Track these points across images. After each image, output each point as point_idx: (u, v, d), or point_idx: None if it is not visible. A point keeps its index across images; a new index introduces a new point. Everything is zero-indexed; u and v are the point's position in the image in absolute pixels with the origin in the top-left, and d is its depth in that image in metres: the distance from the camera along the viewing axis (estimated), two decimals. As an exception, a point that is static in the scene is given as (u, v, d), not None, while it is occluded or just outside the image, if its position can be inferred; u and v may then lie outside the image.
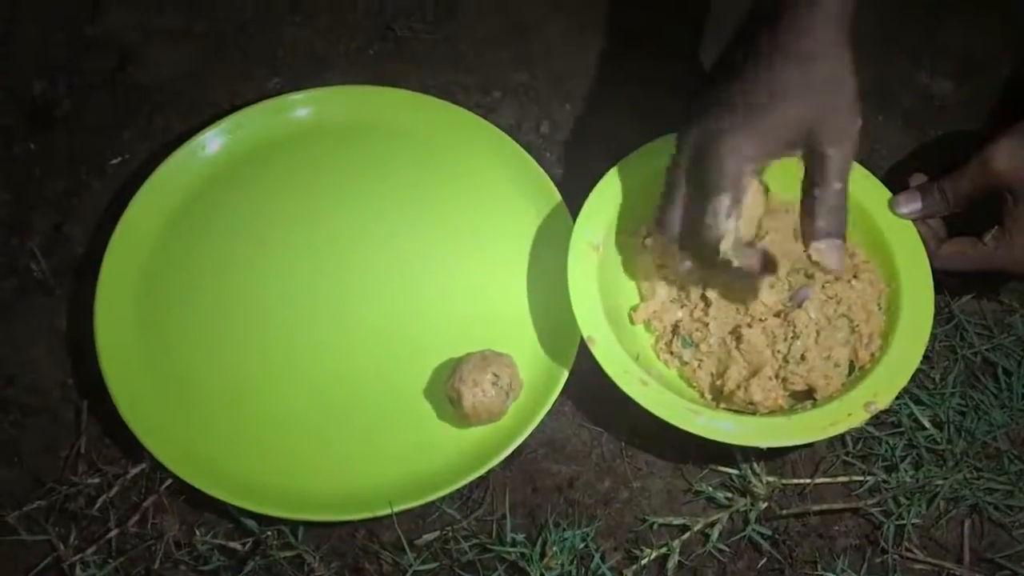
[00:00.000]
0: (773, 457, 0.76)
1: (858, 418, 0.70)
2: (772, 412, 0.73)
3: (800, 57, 0.66)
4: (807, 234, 0.68)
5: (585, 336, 0.73)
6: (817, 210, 0.67)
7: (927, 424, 0.76)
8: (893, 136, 0.90)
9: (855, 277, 0.76)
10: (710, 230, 0.68)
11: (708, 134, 0.67)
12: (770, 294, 0.76)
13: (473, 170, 0.85)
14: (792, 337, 0.74)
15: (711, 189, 0.67)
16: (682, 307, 0.78)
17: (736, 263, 0.69)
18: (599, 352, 0.73)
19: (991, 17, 0.95)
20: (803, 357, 0.73)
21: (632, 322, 0.79)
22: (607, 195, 0.78)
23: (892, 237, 0.77)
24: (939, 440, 0.76)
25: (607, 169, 0.79)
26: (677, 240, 0.70)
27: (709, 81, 0.70)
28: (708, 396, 0.76)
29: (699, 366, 0.76)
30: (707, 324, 0.76)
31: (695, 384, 0.76)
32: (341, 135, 0.87)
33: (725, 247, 0.68)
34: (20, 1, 0.96)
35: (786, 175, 0.79)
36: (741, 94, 0.67)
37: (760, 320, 0.75)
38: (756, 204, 0.69)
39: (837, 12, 0.66)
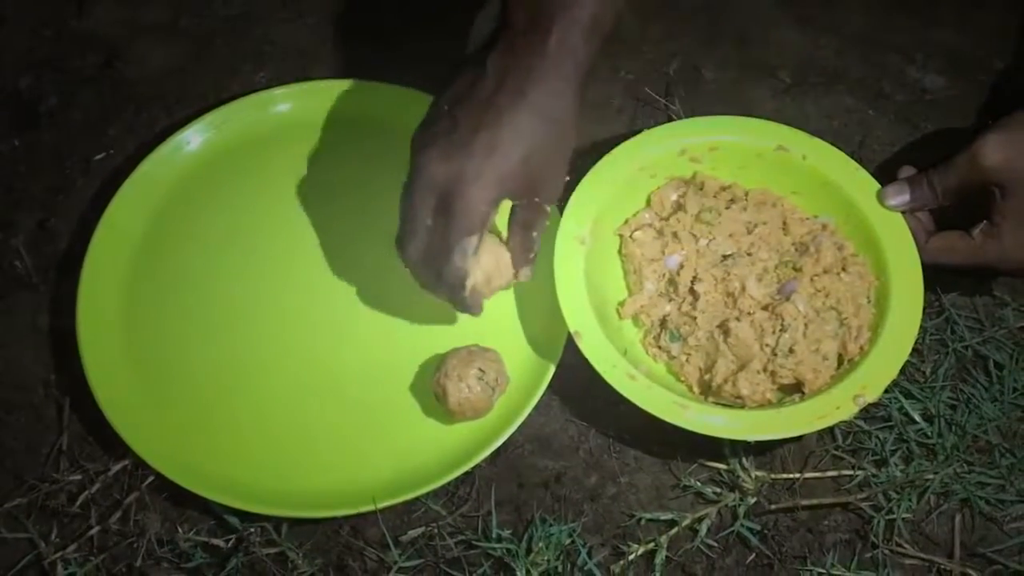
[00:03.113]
0: (762, 452, 0.75)
1: (847, 411, 0.70)
2: (761, 406, 0.72)
3: (534, 97, 0.65)
4: (518, 263, 0.72)
5: (572, 330, 0.73)
6: (530, 246, 0.71)
7: (917, 418, 0.75)
8: (884, 130, 0.89)
9: (844, 270, 0.75)
10: (458, 270, 0.68)
11: (455, 178, 0.66)
12: (758, 287, 0.75)
13: (460, 165, 0.85)
14: (780, 330, 0.73)
15: (460, 232, 0.67)
16: (670, 301, 0.77)
17: (471, 303, 0.71)
18: (586, 346, 0.72)
19: (982, 12, 0.94)
20: (791, 350, 0.72)
21: (620, 317, 0.78)
22: (593, 189, 0.78)
23: (882, 230, 0.77)
24: (929, 434, 0.75)
25: (594, 164, 0.79)
26: (415, 268, 0.70)
27: (443, 99, 0.69)
28: (696, 390, 0.75)
29: (687, 360, 0.75)
30: (695, 318, 0.75)
31: (683, 378, 0.76)
32: (326, 130, 0.86)
33: (470, 284, 0.69)
34: (5, -3, 0.96)
35: (769, 169, 0.79)
36: (479, 135, 0.65)
37: (748, 314, 0.74)
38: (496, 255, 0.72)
39: (574, 47, 0.65)
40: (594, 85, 0.90)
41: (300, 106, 0.86)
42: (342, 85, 0.87)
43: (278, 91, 0.87)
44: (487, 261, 0.71)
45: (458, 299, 0.70)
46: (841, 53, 0.93)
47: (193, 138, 0.85)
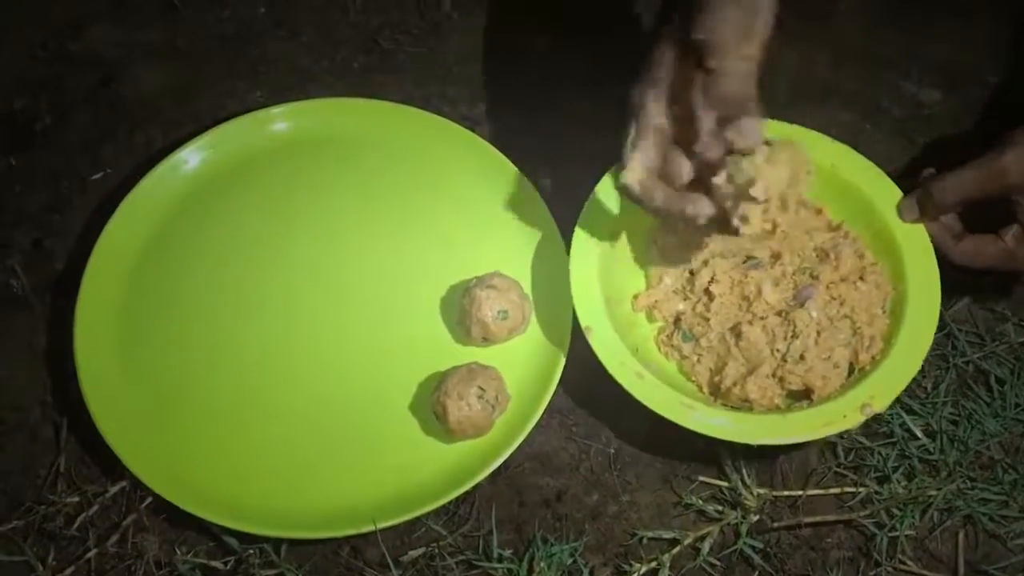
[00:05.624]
0: (764, 468, 0.75)
1: (853, 420, 0.69)
2: (768, 411, 0.72)
3: None
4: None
5: (583, 325, 0.72)
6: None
7: (919, 434, 0.75)
8: (882, 146, 0.89)
9: (861, 279, 0.75)
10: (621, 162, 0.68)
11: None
12: (774, 292, 0.75)
13: (458, 182, 0.84)
14: (792, 336, 0.73)
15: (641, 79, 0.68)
16: (685, 300, 0.77)
17: (651, 206, 0.68)
18: (596, 342, 0.71)
19: (978, 26, 0.94)
20: (802, 357, 0.72)
21: (634, 309, 0.77)
22: (611, 191, 0.76)
23: (902, 238, 0.75)
24: (932, 450, 0.75)
25: (598, 177, 0.77)
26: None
27: None
28: (706, 391, 0.75)
29: (698, 361, 0.75)
30: (708, 319, 0.75)
31: (694, 379, 0.75)
32: (323, 148, 0.86)
33: (625, 179, 0.68)
34: (1, 18, 0.95)
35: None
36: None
37: (761, 318, 0.74)
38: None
39: None
40: (600, 100, 0.90)
41: (297, 124, 0.86)
42: (339, 103, 0.87)
43: (275, 110, 0.86)
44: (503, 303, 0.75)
45: None
46: (836, 68, 0.93)
47: (190, 157, 0.84)
